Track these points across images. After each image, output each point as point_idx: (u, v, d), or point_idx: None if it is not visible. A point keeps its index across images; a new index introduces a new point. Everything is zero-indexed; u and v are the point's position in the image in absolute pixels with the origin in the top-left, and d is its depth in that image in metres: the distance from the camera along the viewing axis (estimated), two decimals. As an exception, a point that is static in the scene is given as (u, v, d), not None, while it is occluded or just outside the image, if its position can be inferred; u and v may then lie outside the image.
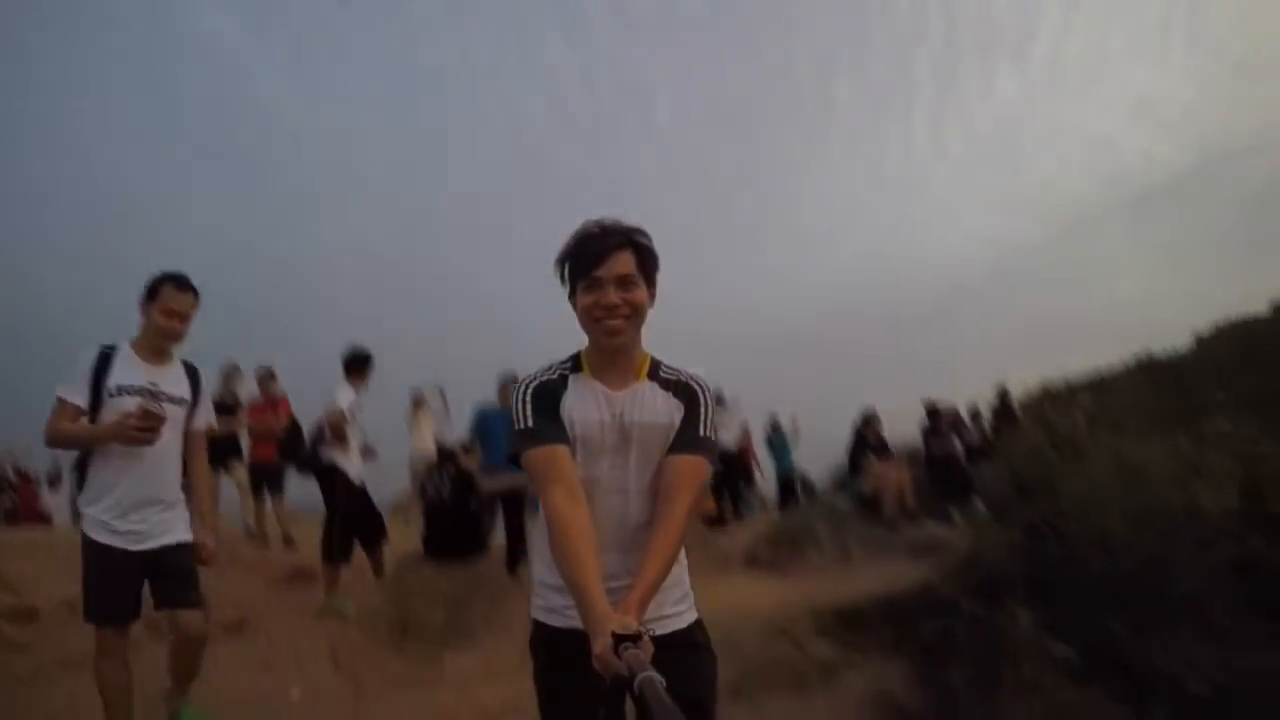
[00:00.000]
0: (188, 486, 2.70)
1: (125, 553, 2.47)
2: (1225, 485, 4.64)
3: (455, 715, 3.37)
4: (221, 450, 6.29)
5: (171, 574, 2.55)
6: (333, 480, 4.40)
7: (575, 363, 1.61)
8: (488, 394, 5.45)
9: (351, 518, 4.35)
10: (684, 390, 1.58)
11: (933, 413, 8.11)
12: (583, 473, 1.51)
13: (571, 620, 1.38)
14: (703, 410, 1.56)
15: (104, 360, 2.52)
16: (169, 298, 2.55)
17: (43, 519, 8.52)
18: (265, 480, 6.34)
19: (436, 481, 4.49)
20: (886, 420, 7.85)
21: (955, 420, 7.80)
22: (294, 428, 6.04)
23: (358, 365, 4.68)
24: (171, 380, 2.62)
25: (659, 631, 1.38)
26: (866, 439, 6.63)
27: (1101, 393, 11.34)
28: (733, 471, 8.33)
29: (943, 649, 3.88)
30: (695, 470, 1.49)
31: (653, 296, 1.55)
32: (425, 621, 3.89)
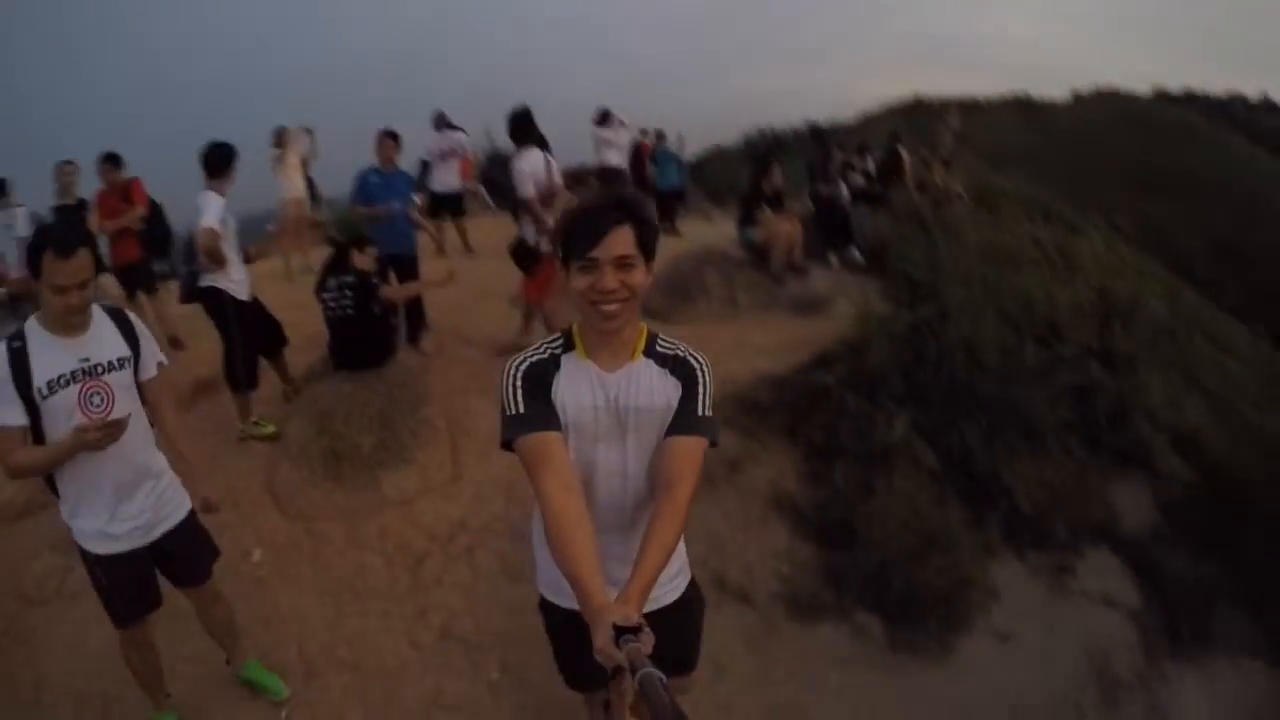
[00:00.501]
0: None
1: (132, 554, 2.23)
2: (1085, 307, 5.28)
3: (406, 540, 3.46)
4: None
5: (182, 556, 2.37)
6: (220, 303, 3.79)
7: (567, 340, 1.53)
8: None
9: (250, 338, 3.88)
10: (682, 367, 1.52)
11: (824, 143, 7.96)
12: (578, 457, 1.49)
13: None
14: (701, 389, 1.51)
15: (18, 358, 2.01)
16: (53, 273, 1.96)
17: None
18: (136, 282, 5.41)
19: (336, 294, 3.87)
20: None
21: (845, 163, 7.75)
22: (154, 213, 5.37)
23: (220, 163, 3.83)
24: (101, 343, 2.14)
25: (651, 609, 1.40)
26: (762, 189, 6.45)
27: (973, 114, 11.72)
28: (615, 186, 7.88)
29: (830, 448, 4.44)
30: (696, 453, 1.46)
31: (650, 271, 1.45)
32: (356, 445, 3.75)
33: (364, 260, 3.93)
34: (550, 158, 4.48)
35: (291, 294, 5.39)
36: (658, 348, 1.53)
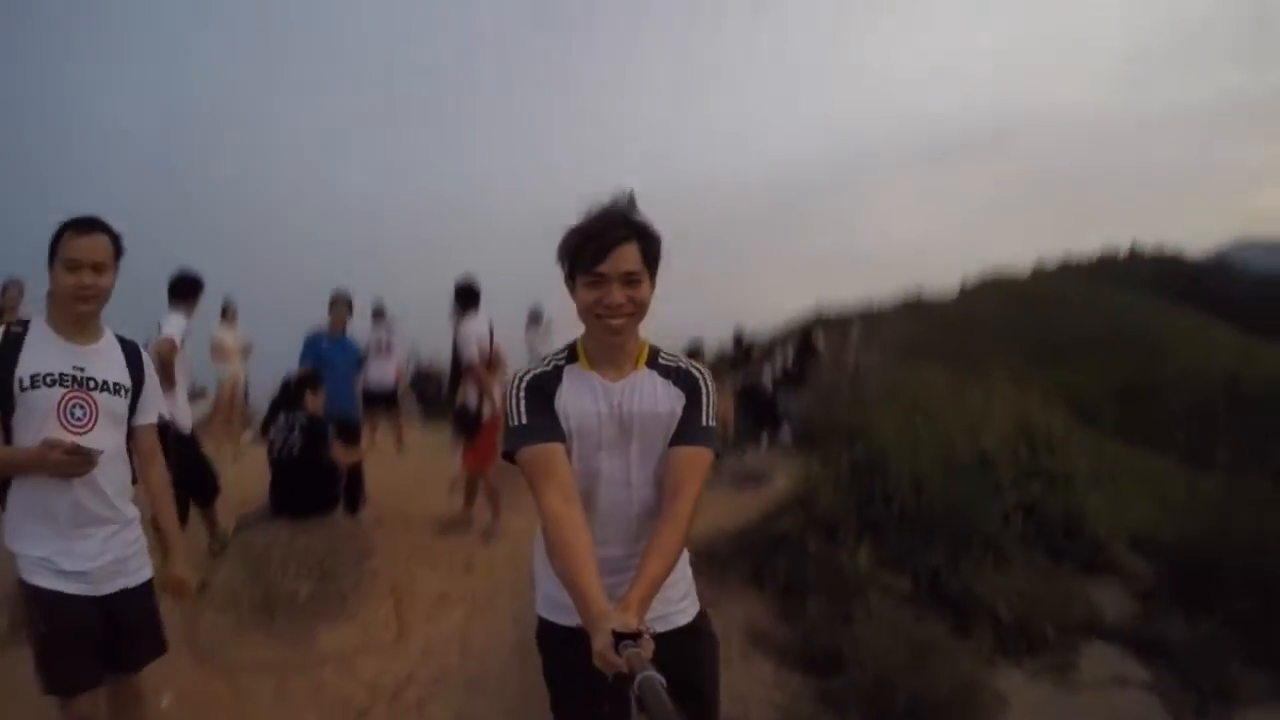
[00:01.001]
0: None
1: (80, 599, 1.85)
2: (1009, 439, 5.59)
3: (345, 695, 3.07)
4: None
5: (132, 630, 1.96)
6: (163, 435, 3.59)
7: (571, 353, 1.54)
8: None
9: (183, 478, 3.60)
10: (685, 378, 1.53)
11: (742, 344, 8.65)
12: (581, 465, 1.47)
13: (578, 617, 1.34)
14: (705, 399, 1.51)
15: (11, 343, 1.84)
16: (70, 247, 1.84)
17: None
18: None
19: (285, 432, 3.83)
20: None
21: (765, 353, 8.41)
22: None
23: (186, 290, 3.95)
24: (103, 361, 1.93)
25: (660, 629, 1.38)
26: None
27: (872, 323, 13.19)
28: None
29: (798, 585, 4.31)
30: (700, 462, 1.45)
31: (654, 286, 1.48)
32: (291, 593, 3.44)
33: (315, 403, 3.92)
34: (492, 325, 4.75)
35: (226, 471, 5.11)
36: (660, 360, 1.55)
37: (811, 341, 8.05)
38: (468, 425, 4.61)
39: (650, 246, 1.45)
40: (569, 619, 1.40)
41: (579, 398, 1.48)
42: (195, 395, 3.98)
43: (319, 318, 5.17)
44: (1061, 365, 10.81)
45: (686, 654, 1.54)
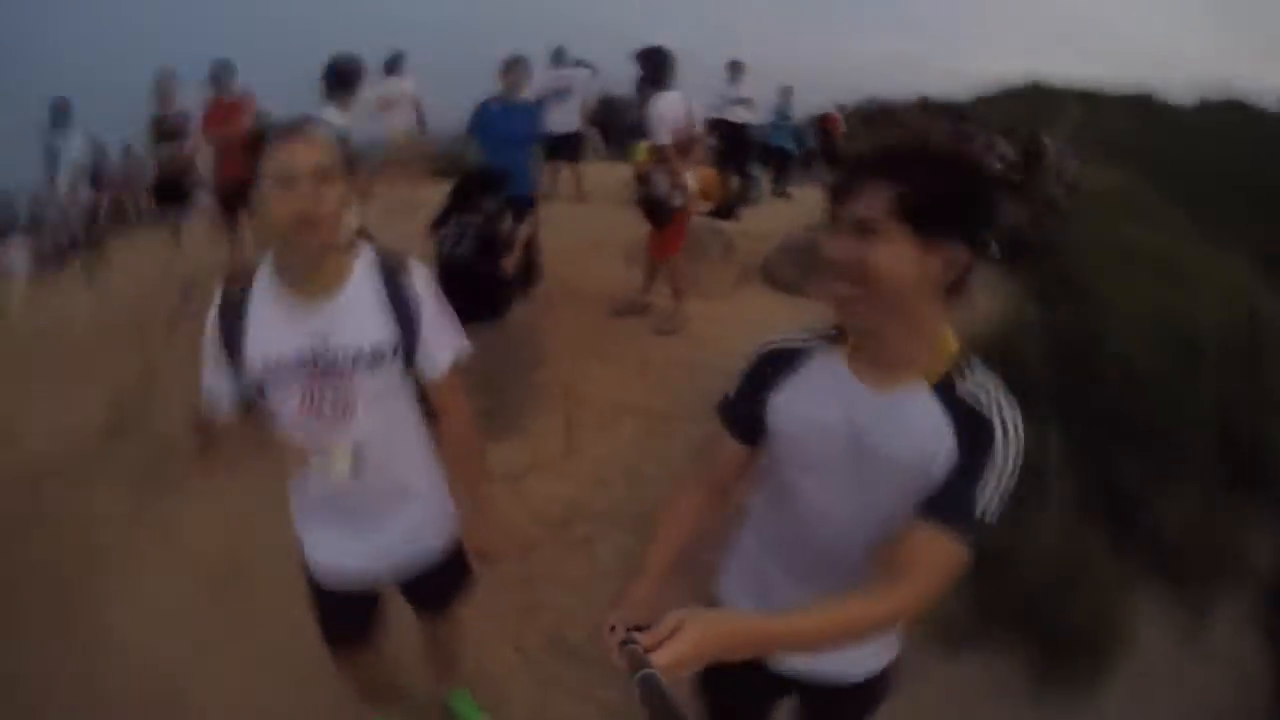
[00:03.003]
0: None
1: (357, 576, 1.70)
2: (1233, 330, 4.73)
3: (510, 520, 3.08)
4: (175, 187, 5.23)
5: (425, 589, 1.82)
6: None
7: (839, 333, 1.18)
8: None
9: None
10: (974, 423, 1.07)
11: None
12: (778, 478, 1.23)
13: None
14: (991, 464, 1.05)
15: (230, 316, 1.43)
16: (274, 161, 1.33)
17: None
18: (240, 200, 4.94)
19: (455, 238, 3.43)
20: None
21: (985, 145, 7.08)
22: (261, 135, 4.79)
23: (345, 81, 3.49)
24: (353, 317, 1.45)
25: (822, 671, 1.26)
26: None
27: (1093, 110, 10.86)
28: (742, 144, 7.20)
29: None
30: (943, 559, 1.03)
31: (945, 262, 1.03)
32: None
33: (490, 202, 3.49)
34: (689, 103, 4.00)
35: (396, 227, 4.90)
36: (958, 387, 1.09)
37: (1040, 146, 6.63)
38: (656, 212, 4.12)
39: (917, 191, 1.01)
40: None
41: (811, 397, 1.16)
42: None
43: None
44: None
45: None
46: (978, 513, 1.03)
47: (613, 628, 0.94)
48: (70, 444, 3.72)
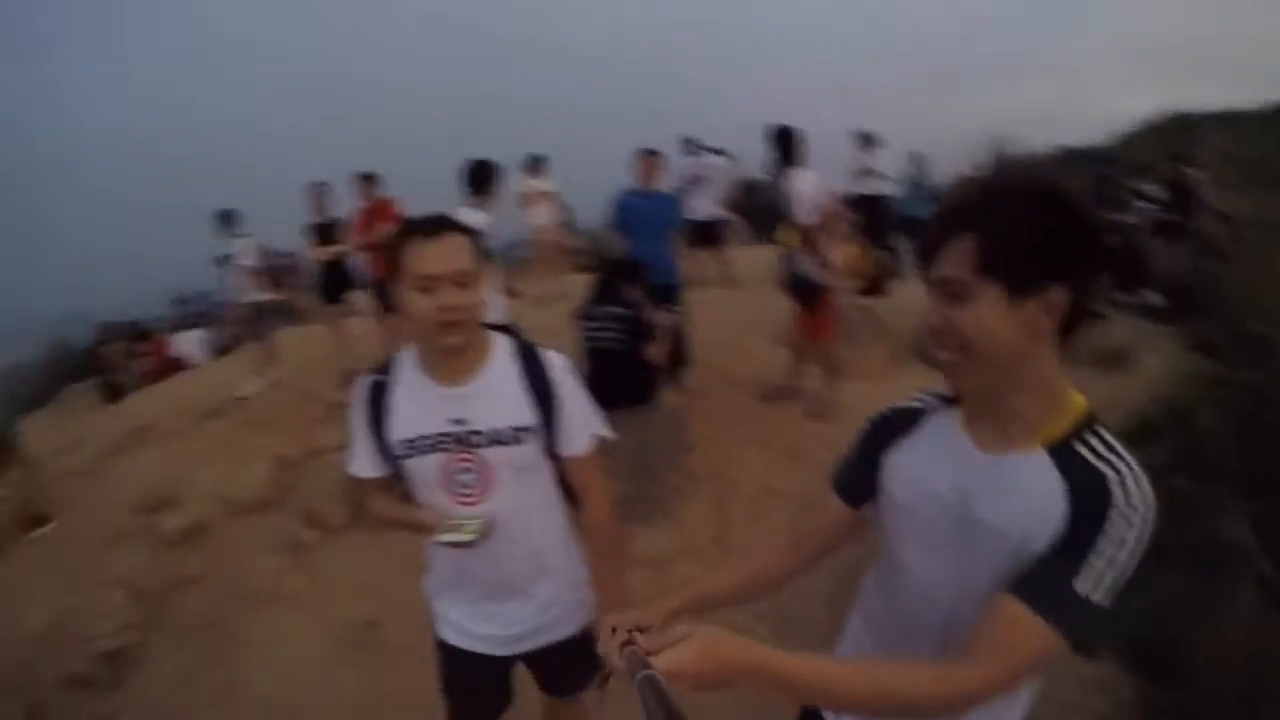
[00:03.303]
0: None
1: (485, 658, 1.75)
2: None
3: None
4: (336, 282, 5.78)
5: (550, 672, 1.84)
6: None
7: (957, 394, 1.11)
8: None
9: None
10: (1090, 488, 0.92)
11: (1102, 180, 6.91)
12: (888, 552, 1.16)
13: None
14: (1105, 535, 0.90)
15: (376, 399, 1.57)
16: (417, 261, 1.44)
17: (176, 366, 8.25)
18: (390, 299, 5.55)
19: (600, 323, 3.55)
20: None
21: (1133, 191, 6.70)
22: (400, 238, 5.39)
23: (484, 180, 3.74)
24: (491, 402, 1.55)
25: None
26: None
27: (1237, 132, 10.08)
28: (880, 217, 7.04)
29: (1155, 545, 3.63)
30: (1026, 643, 0.90)
31: (1044, 310, 0.94)
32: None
33: (634, 292, 3.58)
34: (822, 181, 4.01)
35: (542, 319, 5.14)
36: (1079, 445, 0.97)
37: (1185, 181, 6.18)
38: (805, 295, 4.13)
39: (999, 245, 0.94)
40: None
41: (924, 464, 1.09)
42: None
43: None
44: None
45: None
46: (1083, 592, 0.89)
47: (614, 629, 0.95)
48: (227, 512, 4.04)
